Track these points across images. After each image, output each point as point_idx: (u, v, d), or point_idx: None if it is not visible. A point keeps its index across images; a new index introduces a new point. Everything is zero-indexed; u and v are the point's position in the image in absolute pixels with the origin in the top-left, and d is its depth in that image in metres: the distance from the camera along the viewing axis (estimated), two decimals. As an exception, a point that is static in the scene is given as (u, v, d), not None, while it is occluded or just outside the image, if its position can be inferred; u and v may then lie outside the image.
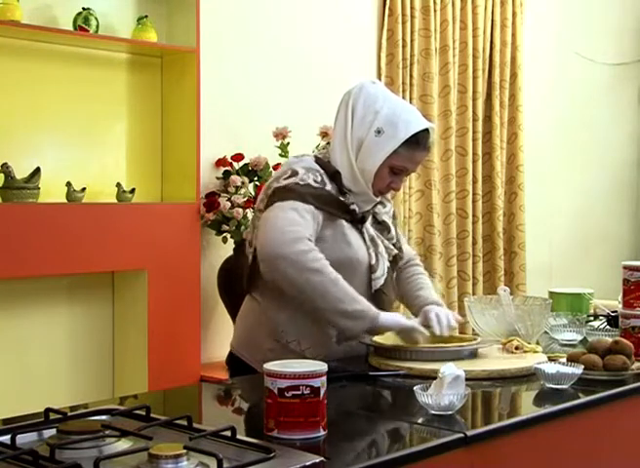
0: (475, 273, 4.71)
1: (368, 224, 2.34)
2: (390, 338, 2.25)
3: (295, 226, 2.12)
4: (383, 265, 2.32)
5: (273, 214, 2.17)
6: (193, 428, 1.50)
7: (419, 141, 2.25)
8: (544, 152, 5.27)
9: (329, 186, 2.25)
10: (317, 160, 2.30)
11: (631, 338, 2.20)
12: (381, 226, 2.40)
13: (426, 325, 2.26)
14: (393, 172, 2.27)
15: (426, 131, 2.27)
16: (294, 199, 2.17)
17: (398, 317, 2.21)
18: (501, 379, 2.05)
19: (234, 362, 2.39)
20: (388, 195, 2.47)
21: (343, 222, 2.26)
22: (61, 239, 3.00)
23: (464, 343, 2.23)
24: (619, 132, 5.87)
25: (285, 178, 2.23)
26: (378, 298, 2.27)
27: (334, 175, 2.26)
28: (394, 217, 2.49)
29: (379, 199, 2.37)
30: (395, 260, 2.40)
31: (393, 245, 2.41)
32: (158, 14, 3.44)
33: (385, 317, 2.16)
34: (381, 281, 2.29)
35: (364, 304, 2.14)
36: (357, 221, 2.29)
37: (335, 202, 2.24)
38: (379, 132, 2.23)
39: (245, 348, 2.36)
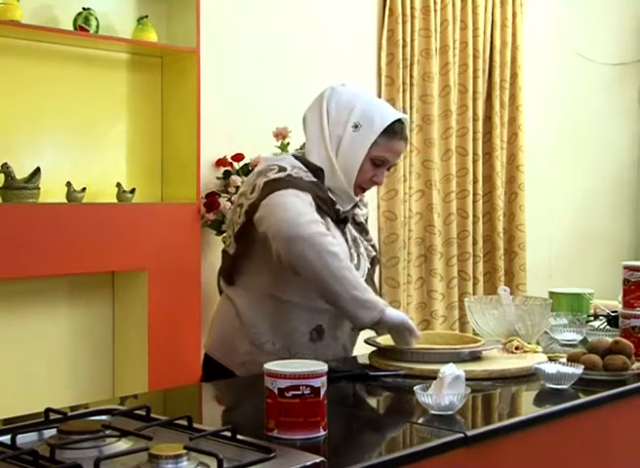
0: (475, 273, 4.71)
1: (350, 226, 2.35)
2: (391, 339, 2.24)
3: (307, 209, 2.12)
4: (364, 266, 2.33)
5: (281, 200, 2.12)
6: (193, 428, 1.49)
7: (395, 131, 2.28)
8: (544, 152, 5.26)
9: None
10: (297, 158, 2.29)
11: (631, 338, 2.20)
12: (360, 227, 2.42)
13: None
14: (375, 163, 2.28)
15: (401, 122, 2.31)
16: (293, 188, 2.15)
17: (403, 314, 2.20)
18: (502, 379, 2.05)
19: (210, 364, 2.34)
20: (365, 199, 2.48)
21: (330, 221, 2.25)
22: (61, 239, 3.00)
23: (466, 346, 2.22)
24: (618, 132, 5.86)
25: (274, 173, 2.20)
26: None
27: (316, 173, 2.25)
28: (366, 222, 2.49)
29: (358, 199, 2.37)
30: (373, 262, 2.41)
31: (372, 246, 2.43)
32: (158, 14, 3.44)
33: (391, 312, 2.14)
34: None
35: (374, 296, 2.14)
36: (340, 221, 2.30)
37: (326, 197, 2.24)
38: (356, 126, 2.26)
39: (221, 351, 2.32)
